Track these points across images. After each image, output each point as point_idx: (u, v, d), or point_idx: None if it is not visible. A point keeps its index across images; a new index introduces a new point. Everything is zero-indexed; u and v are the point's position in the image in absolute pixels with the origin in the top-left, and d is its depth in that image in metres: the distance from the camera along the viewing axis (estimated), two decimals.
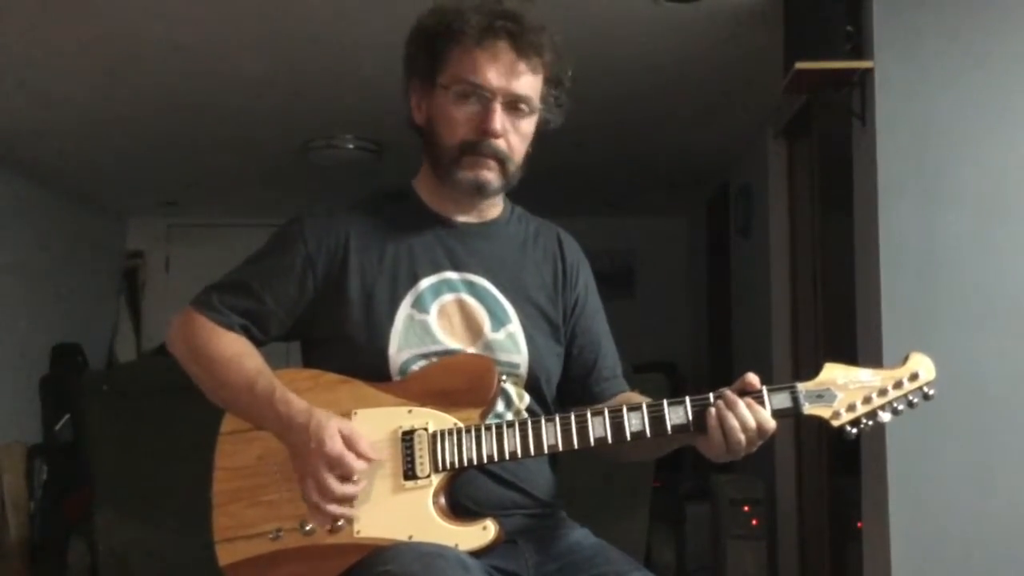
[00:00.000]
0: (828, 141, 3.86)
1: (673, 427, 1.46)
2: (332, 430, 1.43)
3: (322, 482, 1.42)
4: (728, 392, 1.45)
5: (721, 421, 1.43)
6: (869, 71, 3.03)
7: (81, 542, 4.14)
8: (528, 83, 1.56)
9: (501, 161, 1.57)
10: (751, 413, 1.43)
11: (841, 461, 3.82)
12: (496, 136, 1.55)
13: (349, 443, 1.43)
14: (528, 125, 1.59)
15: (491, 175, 1.57)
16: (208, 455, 1.55)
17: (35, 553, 4.82)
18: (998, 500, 2.92)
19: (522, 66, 1.55)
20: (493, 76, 1.54)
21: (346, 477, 1.42)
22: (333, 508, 1.43)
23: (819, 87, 3.23)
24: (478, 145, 1.56)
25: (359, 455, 1.43)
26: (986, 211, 2.99)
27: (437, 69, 1.58)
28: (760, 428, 1.43)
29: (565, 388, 1.70)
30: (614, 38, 3.58)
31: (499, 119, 1.55)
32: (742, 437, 1.43)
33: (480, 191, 1.59)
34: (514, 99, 1.56)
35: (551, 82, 1.60)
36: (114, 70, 3.90)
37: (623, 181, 6.07)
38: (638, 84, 4.14)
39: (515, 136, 1.58)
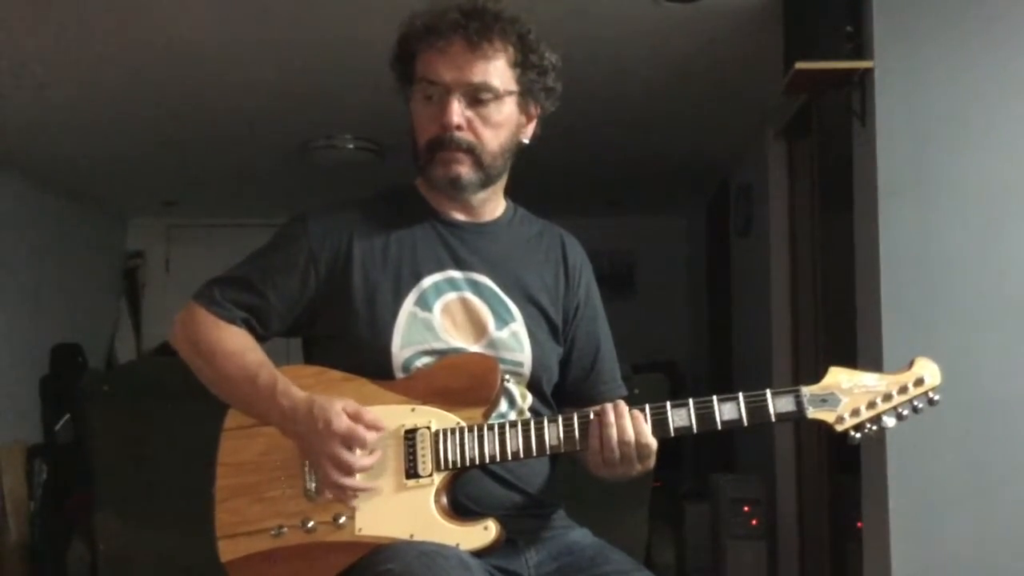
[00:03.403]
0: (828, 141, 3.85)
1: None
2: (336, 409, 1.43)
3: (338, 458, 1.42)
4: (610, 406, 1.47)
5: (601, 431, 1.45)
6: (869, 71, 3.02)
7: (81, 543, 4.13)
8: (484, 70, 1.55)
9: (470, 152, 1.57)
10: (632, 425, 1.44)
11: (841, 461, 3.82)
12: (456, 128, 1.55)
13: (355, 417, 1.44)
14: (497, 112, 1.58)
15: (462, 168, 1.57)
16: (209, 455, 1.56)
17: (35, 554, 4.80)
18: (998, 500, 2.92)
19: (473, 54, 1.55)
20: (443, 70, 1.55)
21: (360, 449, 1.43)
22: (355, 482, 1.43)
23: (819, 87, 3.23)
24: (442, 139, 1.56)
25: (368, 426, 1.44)
26: (986, 211, 2.99)
27: (410, 75, 1.60)
28: (639, 443, 1.44)
29: (563, 391, 1.70)
30: (614, 38, 3.57)
31: (456, 111, 1.54)
32: (616, 450, 1.44)
33: (454, 185, 1.59)
34: (472, 89, 1.55)
35: (520, 66, 1.58)
36: (115, 71, 3.90)
37: (623, 181, 6.06)
38: (638, 84, 4.13)
39: (482, 125, 1.57)
